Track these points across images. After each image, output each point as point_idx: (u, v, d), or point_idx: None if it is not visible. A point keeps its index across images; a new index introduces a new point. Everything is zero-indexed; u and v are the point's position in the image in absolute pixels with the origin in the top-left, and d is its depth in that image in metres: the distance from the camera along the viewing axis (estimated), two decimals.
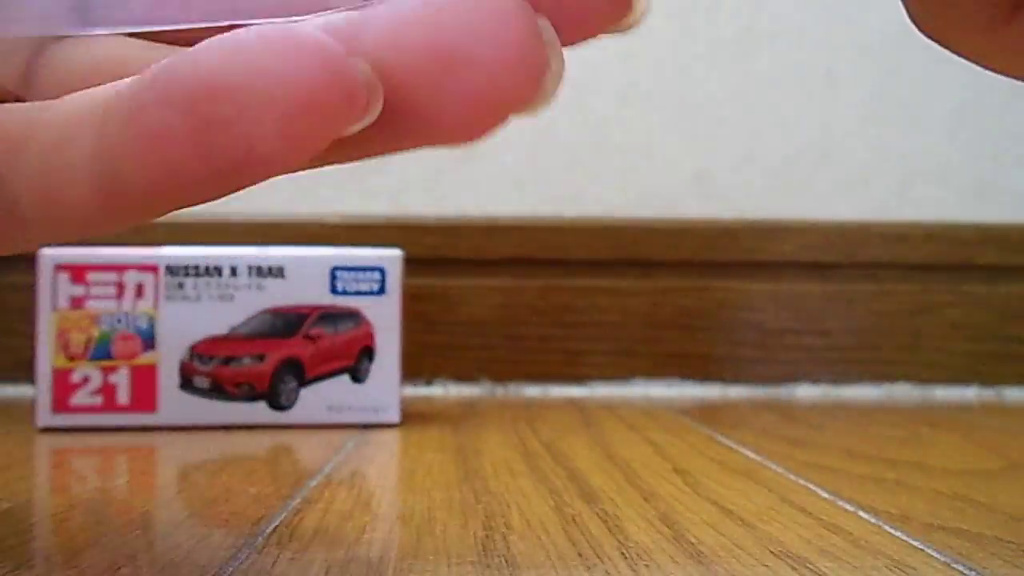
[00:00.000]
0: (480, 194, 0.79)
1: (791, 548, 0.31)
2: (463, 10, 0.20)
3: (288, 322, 0.57)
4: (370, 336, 0.58)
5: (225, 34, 0.20)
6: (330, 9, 0.23)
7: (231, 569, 0.28)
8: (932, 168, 0.80)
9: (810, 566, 0.29)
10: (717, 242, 0.78)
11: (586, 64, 0.80)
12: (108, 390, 0.55)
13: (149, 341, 0.56)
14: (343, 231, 0.75)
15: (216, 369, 0.56)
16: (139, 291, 0.56)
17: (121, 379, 0.55)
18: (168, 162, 0.20)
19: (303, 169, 0.23)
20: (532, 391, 0.77)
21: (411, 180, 0.80)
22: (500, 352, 0.77)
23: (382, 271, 0.58)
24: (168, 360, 0.56)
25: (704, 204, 0.80)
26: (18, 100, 0.27)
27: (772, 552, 0.30)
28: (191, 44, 0.22)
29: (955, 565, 0.29)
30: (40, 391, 0.55)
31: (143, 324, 0.56)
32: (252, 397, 0.57)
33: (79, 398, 0.55)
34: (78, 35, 0.27)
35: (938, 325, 0.78)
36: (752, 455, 0.48)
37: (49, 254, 0.54)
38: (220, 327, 0.57)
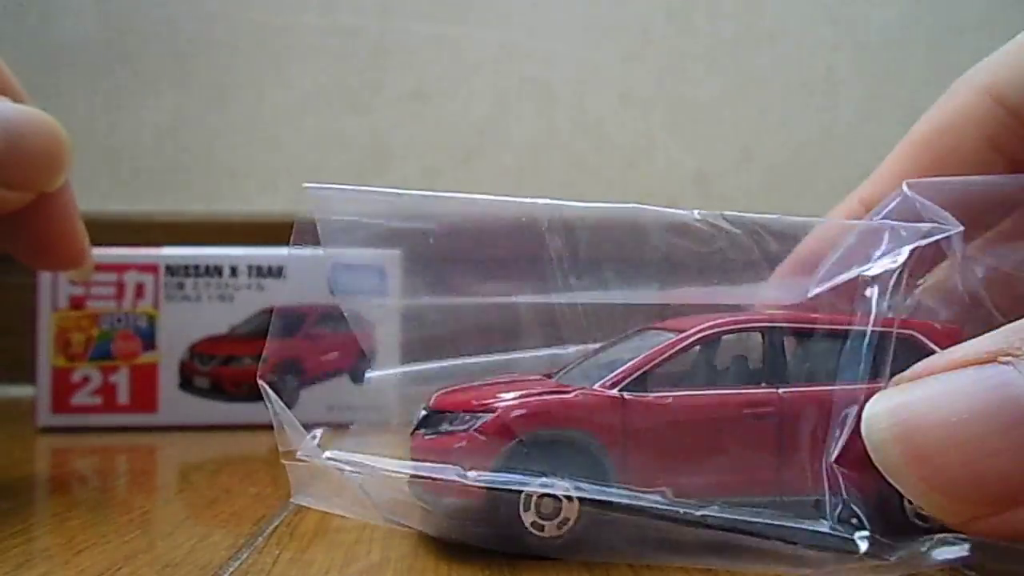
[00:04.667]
0: (480, 194, 0.79)
1: (792, 549, 0.30)
2: None
3: (288, 322, 0.57)
4: (370, 336, 0.58)
5: None
6: None
7: (231, 569, 0.28)
8: None
9: (811, 564, 0.29)
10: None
11: (586, 65, 0.80)
12: (108, 390, 0.55)
13: (149, 341, 0.56)
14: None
15: (216, 369, 0.56)
16: (139, 291, 0.56)
17: (121, 379, 0.55)
18: None
19: None
20: None
21: (411, 180, 0.80)
22: None
23: (382, 271, 0.58)
24: (168, 360, 0.56)
25: (704, 204, 0.80)
26: None
27: (774, 557, 0.30)
28: None
29: (955, 565, 0.29)
30: (40, 391, 0.55)
31: (143, 324, 0.56)
32: (252, 397, 0.57)
33: (79, 398, 0.55)
34: None
35: None
36: None
37: None
38: (220, 327, 0.57)
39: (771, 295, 0.31)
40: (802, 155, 0.80)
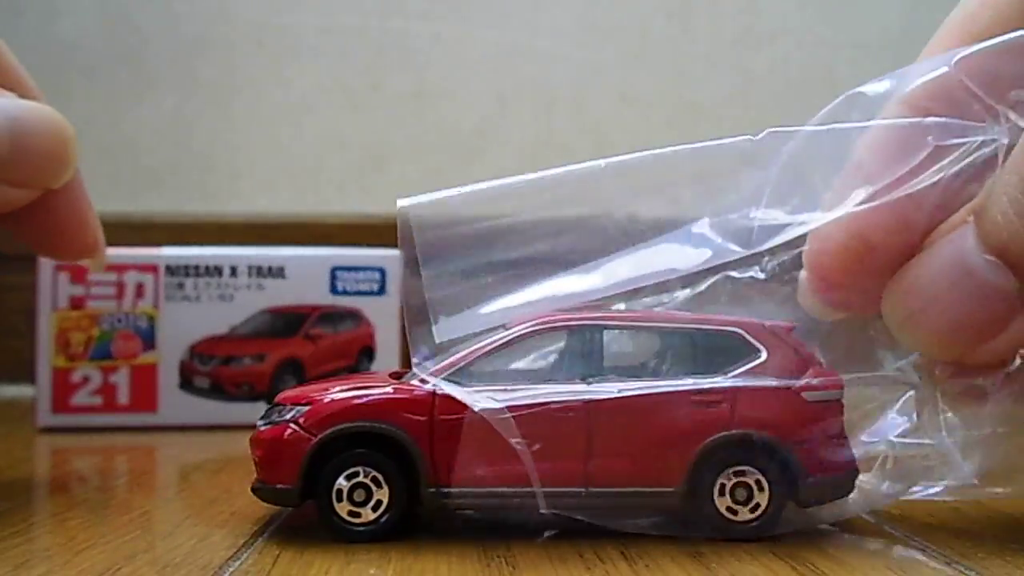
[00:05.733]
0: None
1: (791, 548, 0.31)
2: None
3: (288, 322, 0.57)
4: (370, 336, 0.58)
5: None
6: None
7: (231, 569, 0.28)
8: None
9: (810, 565, 0.29)
10: None
11: (586, 65, 0.80)
12: (108, 390, 0.55)
13: (149, 341, 0.56)
14: (343, 231, 0.75)
15: (216, 369, 0.56)
16: (139, 291, 0.56)
17: (121, 379, 0.55)
18: None
19: None
20: None
21: (411, 180, 0.79)
22: None
23: (382, 271, 0.58)
24: (168, 360, 0.56)
25: None
26: None
27: (772, 552, 0.30)
28: None
29: (955, 565, 0.29)
30: (40, 391, 0.55)
31: (143, 324, 0.56)
32: (252, 397, 0.57)
33: (79, 398, 0.55)
34: None
35: None
36: None
37: None
38: (220, 327, 0.57)
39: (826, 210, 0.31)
40: None
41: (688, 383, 0.31)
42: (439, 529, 0.33)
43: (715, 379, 0.31)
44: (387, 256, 0.58)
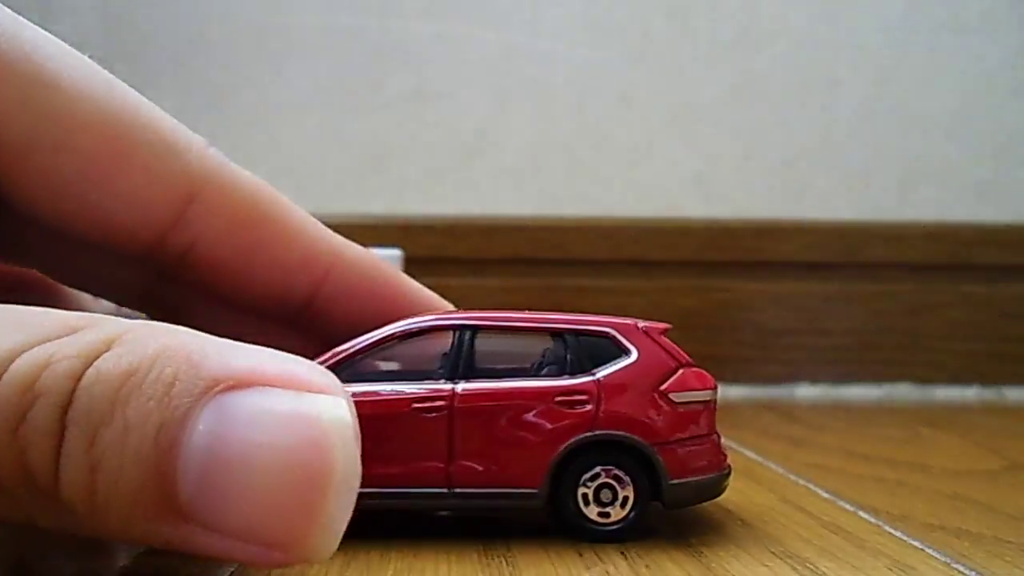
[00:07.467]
0: (480, 194, 0.79)
1: (791, 548, 0.31)
2: None
3: None
4: None
5: None
6: None
7: (231, 569, 0.28)
8: (931, 168, 0.80)
9: (810, 566, 0.29)
10: (717, 242, 0.78)
11: (586, 65, 0.80)
12: None
13: None
14: (343, 231, 0.75)
15: None
16: None
17: None
18: None
19: None
20: None
21: (411, 180, 0.80)
22: None
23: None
24: None
25: (704, 204, 0.80)
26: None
27: (772, 552, 0.30)
28: None
29: (955, 565, 0.29)
30: None
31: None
32: None
33: None
34: None
35: (938, 325, 0.78)
36: (752, 455, 0.48)
37: None
38: None
39: None
40: (802, 155, 0.80)
41: (551, 382, 0.31)
42: (439, 529, 0.33)
43: (580, 378, 0.31)
44: (387, 256, 0.58)
